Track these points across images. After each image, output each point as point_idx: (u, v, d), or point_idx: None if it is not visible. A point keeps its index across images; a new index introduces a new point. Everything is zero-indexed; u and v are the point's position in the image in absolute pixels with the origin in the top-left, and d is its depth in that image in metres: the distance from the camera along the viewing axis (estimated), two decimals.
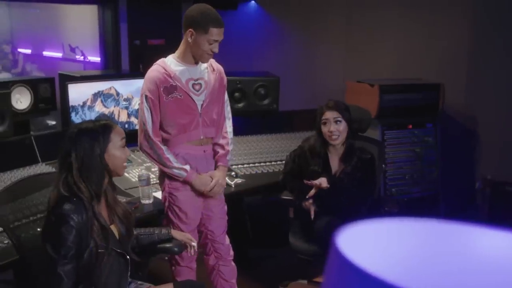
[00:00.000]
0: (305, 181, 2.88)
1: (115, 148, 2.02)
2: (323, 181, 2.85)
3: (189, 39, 2.53)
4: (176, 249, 2.42)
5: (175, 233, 2.46)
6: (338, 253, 0.56)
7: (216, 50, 2.55)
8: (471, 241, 0.76)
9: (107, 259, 1.97)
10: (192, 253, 2.51)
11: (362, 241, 0.67)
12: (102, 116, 3.49)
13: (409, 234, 0.76)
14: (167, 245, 2.40)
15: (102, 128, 2.00)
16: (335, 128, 2.89)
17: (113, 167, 2.02)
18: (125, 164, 2.09)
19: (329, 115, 2.90)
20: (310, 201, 2.90)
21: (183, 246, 2.45)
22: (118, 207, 2.09)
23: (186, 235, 2.48)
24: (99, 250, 1.93)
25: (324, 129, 2.92)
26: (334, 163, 2.99)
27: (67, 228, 1.85)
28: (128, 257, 2.09)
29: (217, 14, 2.54)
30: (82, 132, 1.97)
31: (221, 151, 2.76)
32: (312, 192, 2.87)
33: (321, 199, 2.91)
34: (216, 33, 2.51)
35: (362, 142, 3.25)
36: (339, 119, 2.89)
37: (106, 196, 2.06)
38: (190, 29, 2.52)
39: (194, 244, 2.47)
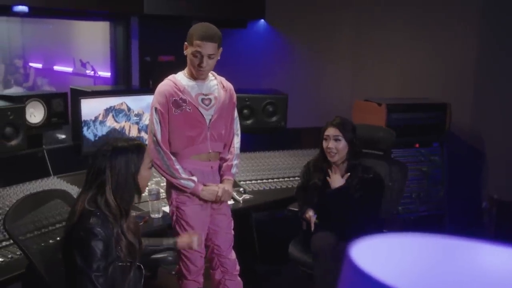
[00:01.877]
0: (304, 215, 2.99)
1: (145, 169, 2.08)
2: (311, 217, 2.95)
3: (185, 52, 2.64)
4: (170, 258, 2.45)
5: (180, 240, 2.49)
6: (352, 264, 0.60)
7: (203, 64, 2.58)
8: (477, 257, 0.78)
9: (133, 275, 2.02)
10: (195, 247, 2.52)
11: (373, 254, 0.70)
12: (113, 132, 3.55)
13: (417, 249, 0.78)
14: (160, 255, 2.42)
15: (136, 148, 2.06)
16: (333, 145, 2.94)
17: (141, 187, 2.08)
18: (147, 185, 2.15)
19: (330, 131, 2.97)
20: (310, 213, 2.97)
21: (177, 255, 2.47)
22: (130, 220, 2.14)
23: (184, 238, 2.51)
24: (125, 264, 1.97)
25: (324, 144, 2.99)
26: (336, 181, 3.00)
27: (96, 242, 1.89)
28: (143, 269, 2.13)
29: (207, 29, 2.60)
30: (118, 150, 2.01)
31: (225, 165, 2.81)
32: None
33: (321, 212, 2.98)
34: (198, 45, 2.56)
35: (383, 162, 3.28)
36: (339, 137, 2.94)
37: None
38: (185, 43, 2.63)
39: (195, 239, 2.48)
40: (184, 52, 2.65)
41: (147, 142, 2.75)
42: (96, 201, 1.96)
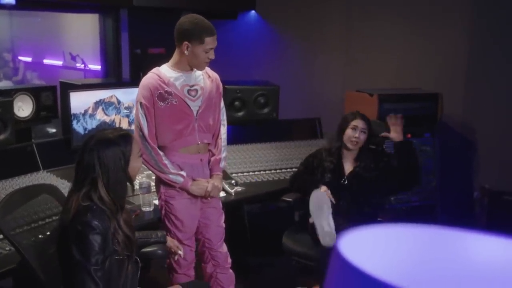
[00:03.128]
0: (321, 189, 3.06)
1: (135, 159, 2.03)
2: (327, 191, 3.04)
3: (185, 52, 2.57)
4: (160, 252, 2.42)
5: (171, 240, 2.49)
6: (340, 256, 0.59)
7: (212, 56, 2.60)
8: (468, 247, 0.78)
9: (130, 267, 2.00)
10: (176, 259, 2.53)
11: (362, 246, 0.69)
12: (103, 125, 3.52)
13: (408, 239, 0.77)
14: (150, 248, 2.40)
15: (123, 139, 2.00)
16: (361, 136, 3.13)
17: (132, 177, 2.05)
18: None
19: (360, 123, 3.15)
20: (324, 188, 3.06)
21: (168, 249, 2.44)
22: (124, 213, 2.12)
23: (174, 242, 2.50)
24: (122, 258, 1.95)
25: (351, 133, 3.13)
26: (347, 162, 3.18)
27: (94, 235, 1.86)
28: (139, 262, 2.12)
29: (208, 23, 2.59)
30: (105, 144, 1.96)
31: (213, 159, 2.79)
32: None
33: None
34: (211, 42, 2.57)
35: None
36: (365, 130, 3.15)
37: None
38: (186, 42, 2.56)
39: (180, 253, 2.47)
40: (185, 51, 2.57)
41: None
42: (91, 197, 1.92)
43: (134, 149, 2.03)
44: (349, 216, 2.98)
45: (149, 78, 2.64)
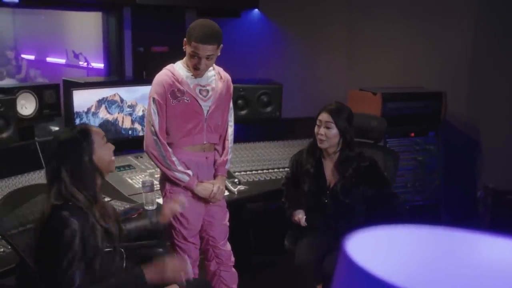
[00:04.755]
0: (293, 218, 2.98)
1: (100, 148, 2.01)
2: (301, 220, 2.95)
3: (184, 48, 2.59)
4: (161, 250, 2.42)
5: (162, 213, 2.45)
6: (347, 258, 0.58)
7: (200, 66, 2.55)
8: (474, 248, 0.77)
9: (116, 260, 1.99)
10: (180, 209, 2.49)
11: (368, 247, 0.68)
12: (106, 123, 3.52)
13: (413, 240, 0.77)
14: (151, 249, 2.40)
15: (81, 134, 1.99)
16: (323, 132, 2.85)
17: (102, 166, 2.03)
18: (112, 158, 2.09)
19: (323, 117, 2.87)
20: (300, 216, 2.95)
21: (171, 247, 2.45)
22: (107, 206, 2.11)
23: (169, 206, 2.47)
24: (107, 250, 1.94)
25: (316, 130, 2.90)
26: (328, 170, 2.95)
27: (70, 231, 1.84)
28: (123, 253, 2.11)
29: (207, 31, 2.52)
30: (63, 144, 1.97)
31: (219, 160, 2.79)
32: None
33: (313, 215, 2.96)
34: (195, 47, 2.51)
35: (376, 151, 3.26)
36: (330, 124, 2.84)
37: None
38: (185, 39, 2.58)
39: (183, 200, 2.47)
40: (183, 48, 2.60)
41: (144, 133, 2.72)
42: (62, 195, 1.92)
43: (96, 138, 2.01)
44: (338, 216, 2.90)
45: (163, 74, 2.64)
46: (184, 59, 2.68)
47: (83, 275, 1.84)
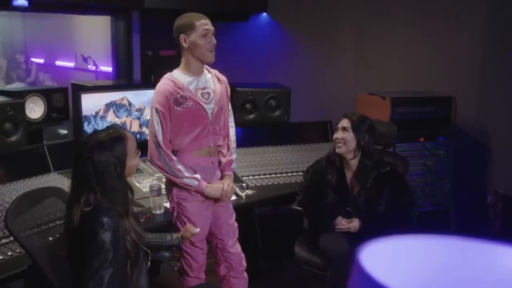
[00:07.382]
0: (336, 227, 2.89)
1: (131, 159, 2.02)
2: (353, 227, 2.87)
3: (184, 44, 2.61)
4: (167, 254, 2.43)
5: (183, 234, 2.47)
6: (360, 269, 0.56)
7: (213, 41, 2.61)
8: (487, 258, 0.76)
9: (145, 260, 2.02)
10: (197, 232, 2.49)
11: (381, 258, 0.67)
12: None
13: (426, 251, 0.75)
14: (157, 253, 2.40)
15: (116, 142, 1.96)
16: (341, 135, 2.89)
17: (128, 176, 2.04)
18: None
19: (342, 123, 2.94)
20: (344, 222, 2.89)
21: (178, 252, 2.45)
22: (133, 209, 2.13)
23: (188, 229, 2.48)
24: (135, 251, 1.95)
25: (335, 136, 2.95)
26: (349, 179, 2.96)
27: (104, 232, 1.84)
28: (149, 255, 2.11)
29: (197, 12, 2.65)
30: (97, 149, 1.92)
31: (224, 161, 2.80)
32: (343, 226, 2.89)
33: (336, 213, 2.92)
34: (203, 23, 2.60)
35: (386, 157, 3.21)
36: (348, 128, 2.89)
37: None
38: (181, 35, 2.61)
39: (197, 230, 2.47)
40: (184, 44, 2.61)
41: (148, 144, 2.72)
42: (91, 203, 1.91)
43: (130, 149, 2.00)
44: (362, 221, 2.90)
45: (164, 84, 2.65)
46: (181, 65, 2.70)
47: (112, 278, 1.83)
